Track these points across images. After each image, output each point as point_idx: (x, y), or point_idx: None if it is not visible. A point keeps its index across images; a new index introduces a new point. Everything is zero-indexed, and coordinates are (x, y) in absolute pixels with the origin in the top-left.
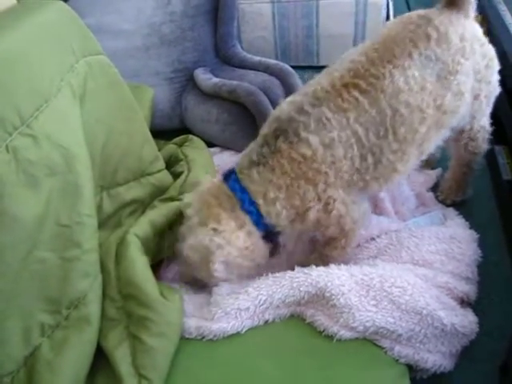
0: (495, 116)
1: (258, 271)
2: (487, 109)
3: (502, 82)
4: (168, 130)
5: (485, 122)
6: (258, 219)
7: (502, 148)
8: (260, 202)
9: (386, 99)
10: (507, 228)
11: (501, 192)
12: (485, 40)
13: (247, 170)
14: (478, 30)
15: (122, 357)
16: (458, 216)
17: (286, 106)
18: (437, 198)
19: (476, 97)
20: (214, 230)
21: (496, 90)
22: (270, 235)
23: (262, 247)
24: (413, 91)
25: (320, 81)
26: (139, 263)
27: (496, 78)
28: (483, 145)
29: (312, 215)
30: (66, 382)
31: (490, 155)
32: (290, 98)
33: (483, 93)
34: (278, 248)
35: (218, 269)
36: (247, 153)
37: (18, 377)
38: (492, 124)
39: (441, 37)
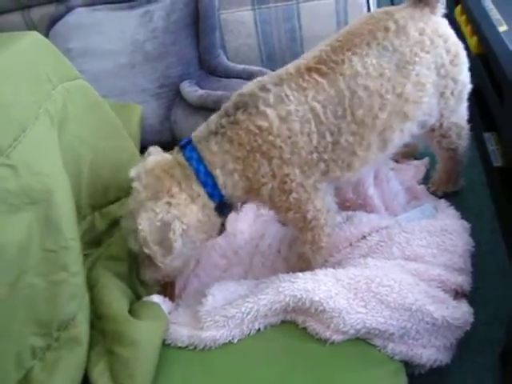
0: (483, 103)
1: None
2: (458, 106)
3: (487, 69)
4: (159, 144)
5: (457, 118)
6: (213, 191)
7: (491, 135)
8: (217, 172)
9: (344, 81)
10: (500, 215)
11: (492, 179)
12: (451, 36)
13: (205, 140)
14: (443, 27)
15: (100, 373)
16: (450, 207)
17: (249, 84)
18: (428, 189)
19: (442, 94)
20: (168, 203)
21: (466, 86)
22: (223, 207)
23: (214, 220)
24: (371, 76)
25: (287, 67)
26: (110, 285)
27: (465, 74)
28: (459, 141)
29: (266, 191)
30: None
31: (480, 143)
32: (254, 80)
33: (449, 90)
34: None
35: (178, 242)
36: (206, 123)
37: None
38: (480, 112)
39: (399, 29)
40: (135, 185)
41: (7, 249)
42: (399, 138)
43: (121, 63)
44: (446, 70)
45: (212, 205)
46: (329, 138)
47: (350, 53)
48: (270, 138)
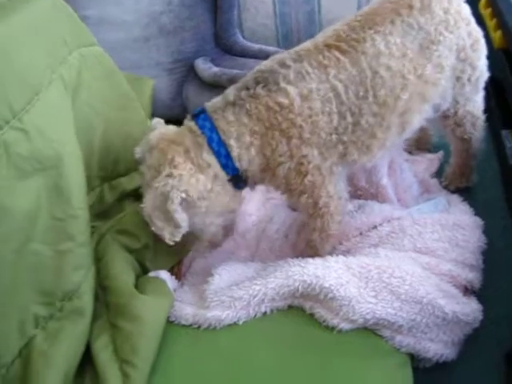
0: (502, 100)
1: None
2: (474, 94)
3: (510, 64)
4: (170, 120)
5: (472, 107)
6: (227, 161)
7: (509, 132)
8: (232, 143)
9: (366, 60)
10: None
11: (507, 177)
12: (472, 21)
13: (221, 110)
14: (466, 9)
15: (101, 346)
16: (463, 202)
17: (268, 61)
18: (441, 183)
19: (458, 78)
20: (169, 175)
21: (484, 74)
22: (237, 181)
23: (231, 192)
24: (394, 56)
25: (304, 44)
26: (117, 258)
27: (483, 62)
28: (473, 131)
29: (282, 172)
30: (60, 372)
31: (497, 140)
32: (272, 56)
33: (466, 75)
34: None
35: (178, 212)
36: (222, 95)
37: (12, 367)
38: (498, 108)
39: (424, 7)
40: (141, 168)
41: (15, 215)
42: (418, 120)
43: (135, 35)
44: (466, 54)
45: (225, 176)
46: (349, 119)
47: (371, 31)
48: (291, 115)
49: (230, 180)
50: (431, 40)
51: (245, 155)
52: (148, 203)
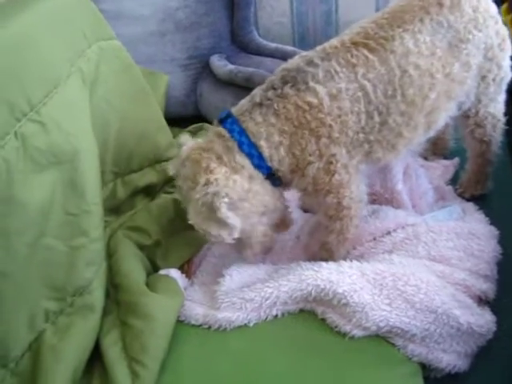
0: None
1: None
2: (497, 94)
3: None
4: (183, 117)
5: (494, 108)
6: (260, 162)
7: None
8: (262, 143)
9: (395, 59)
10: None
11: None
12: (500, 20)
13: (248, 112)
14: (494, 8)
15: (111, 343)
16: (478, 211)
17: (294, 59)
18: (455, 191)
19: (483, 78)
20: (206, 183)
21: (508, 75)
22: (273, 179)
23: (271, 190)
24: (423, 55)
25: (330, 41)
26: (129, 255)
27: (508, 62)
28: (493, 133)
29: (311, 171)
30: (69, 367)
31: None
32: (298, 55)
33: (491, 75)
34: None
35: (231, 217)
36: (248, 97)
37: (22, 361)
38: None
39: (454, 5)
40: (177, 183)
41: (29, 208)
42: (443, 118)
43: (151, 30)
44: (493, 53)
45: (261, 175)
46: (377, 119)
47: (400, 29)
48: (320, 115)
49: (266, 179)
50: (460, 38)
51: (275, 155)
52: (195, 216)
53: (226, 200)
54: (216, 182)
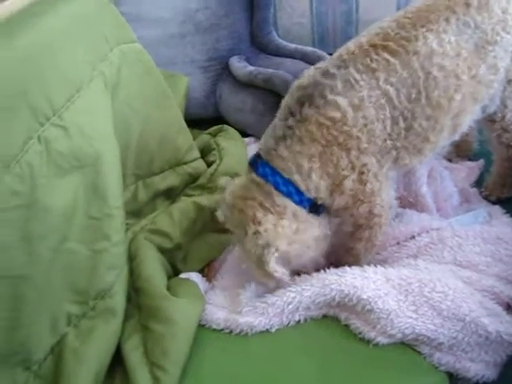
0: None
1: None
2: None
3: None
4: (202, 118)
5: None
6: (300, 197)
7: None
8: (296, 177)
9: (418, 60)
10: None
11: None
12: None
13: (274, 149)
14: None
15: (132, 348)
16: (505, 214)
17: (309, 72)
18: (481, 193)
19: (509, 81)
20: (256, 233)
21: None
22: (317, 208)
23: (315, 221)
24: (448, 55)
25: (346, 45)
26: (150, 258)
27: None
28: None
29: (348, 185)
30: (91, 370)
31: None
32: (313, 67)
33: None
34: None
35: (275, 268)
36: (270, 132)
37: (45, 364)
38: None
39: (481, 5)
40: (228, 227)
41: (53, 213)
42: (469, 121)
43: (171, 32)
44: None
45: (304, 210)
46: (402, 124)
47: (424, 29)
48: (346, 128)
49: (310, 211)
50: (487, 40)
51: (310, 183)
52: (247, 262)
53: (276, 254)
54: (266, 232)
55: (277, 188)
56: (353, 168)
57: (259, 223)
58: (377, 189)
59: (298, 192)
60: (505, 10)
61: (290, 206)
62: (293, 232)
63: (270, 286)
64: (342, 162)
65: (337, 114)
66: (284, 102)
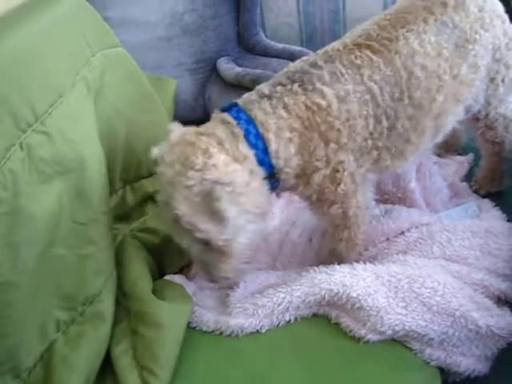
0: None
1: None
2: (506, 95)
3: None
4: (191, 121)
5: (505, 109)
6: (264, 157)
7: None
8: (271, 136)
9: (400, 60)
10: None
11: None
12: (507, 19)
13: (257, 102)
14: (500, 7)
15: (122, 352)
16: (495, 208)
17: (297, 63)
18: (470, 188)
19: (492, 80)
20: (203, 167)
21: None
22: (271, 180)
23: (266, 192)
24: (429, 55)
25: (331, 44)
26: (136, 260)
27: None
28: (505, 134)
29: (317, 179)
30: (81, 376)
31: None
32: (298, 60)
33: (500, 76)
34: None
35: (229, 209)
36: (254, 91)
37: (34, 371)
38: None
39: (458, 4)
40: (159, 169)
41: (37, 219)
42: (451, 122)
43: (158, 36)
44: (501, 54)
45: (261, 173)
46: (385, 123)
47: (404, 30)
48: (329, 118)
49: (265, 179)
50: (467, 39)
51: (283, 152)
52: (184, 207)
53: (228, 189)
54: (215, 167)
55: (246, 136)
56: (328, 162)
57: (209, 157)
58: (352, 191)
59: (265, 151)
60: (481, 8)
61: (251, 160)
62: (242, 182)
63: (211, 236)
64: (318, 151)
65: (323, 102)
66: (273, 78)
